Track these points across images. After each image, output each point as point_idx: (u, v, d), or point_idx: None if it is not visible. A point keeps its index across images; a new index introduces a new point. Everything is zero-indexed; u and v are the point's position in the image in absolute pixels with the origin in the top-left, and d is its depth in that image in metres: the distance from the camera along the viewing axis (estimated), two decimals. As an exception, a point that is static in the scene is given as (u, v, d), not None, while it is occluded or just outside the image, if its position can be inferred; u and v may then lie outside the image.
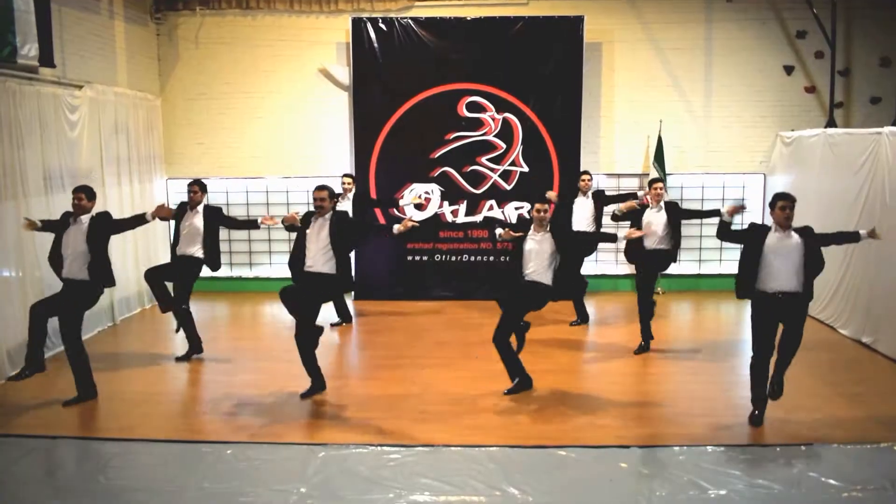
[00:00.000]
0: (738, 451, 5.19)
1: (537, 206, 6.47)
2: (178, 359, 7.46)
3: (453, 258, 10.25)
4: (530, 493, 4.64)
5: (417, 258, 10.25)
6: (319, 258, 6.15)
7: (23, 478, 4.89)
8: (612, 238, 6.96)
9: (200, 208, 7.33)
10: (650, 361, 7.42)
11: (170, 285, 7.37)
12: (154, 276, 7.36)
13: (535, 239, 6.39)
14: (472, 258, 10.24)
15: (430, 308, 9.74)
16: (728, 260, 10.60)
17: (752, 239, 5.80)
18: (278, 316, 9.78)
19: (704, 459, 5.05)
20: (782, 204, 5.68)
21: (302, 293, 6.25)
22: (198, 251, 7.27)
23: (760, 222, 6.37)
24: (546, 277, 6.35)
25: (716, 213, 7.40)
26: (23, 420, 5.87)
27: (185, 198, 10.40)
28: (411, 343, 8.14)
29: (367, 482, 4.78)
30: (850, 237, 6.00)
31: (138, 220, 6.66)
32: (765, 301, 5.73)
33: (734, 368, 7.30)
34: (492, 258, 10.21)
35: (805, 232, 5.73)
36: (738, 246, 6.16)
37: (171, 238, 7.55)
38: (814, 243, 5.69)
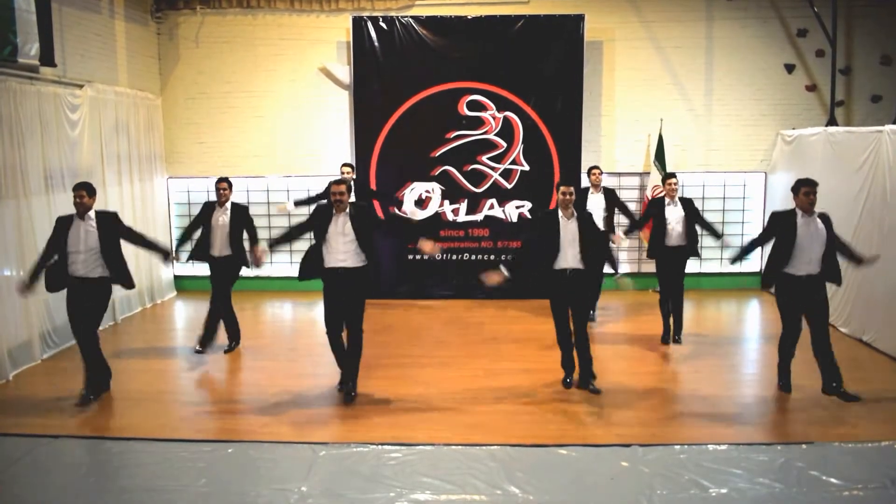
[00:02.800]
0: (740, 449, 5.18)
1: (563, 188, 6.21)
2: (227, 350, 7.64)
3: (454, 257, 10.25)
4: (531, 492, 4.64)
5: (418, 257, 10.25)
6: (349, 254, 6.06)
7: (24, 477, 4.89)
8: (613, 265, 6.88)
9: (229, 206, 7.35)
10: (651, 360, 7.42)
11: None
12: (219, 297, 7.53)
13: (567, 225, 6.23)
14: (473, 257, 10.24)
15: (430, 307, 9.75)
16: (728, 259, 10.61)
17: (783, 227, 6.01)
18: (279, 315, 9.80)
19: (705, 458, 5.05)
20: (806, 189, 5.94)
21: (340, 303, 6.17)
22: (226, 248, 7.34)
23: (772, 211, 6.54)
24: (581, 262, 6.23)
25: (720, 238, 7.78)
26: (24, 419, 5.87)
27: (185, 197, 10.55)
28: (412, 342, 8.14)
29: (368, 481, 4.78)
30: (854, 258, 6.19)
31: (157, 249, 6.66)
32: (792, 284, 6.00)
33: (735, 367, 7.31)
34: (492, 257, 10.20)
35: (825, 219, 5.99)
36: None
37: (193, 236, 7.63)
38: (831, 233, 5.98)
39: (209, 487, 4.73)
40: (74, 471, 5.00)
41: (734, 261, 6.71)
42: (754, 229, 10.42)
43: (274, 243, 6.42)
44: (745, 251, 6.67)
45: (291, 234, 6.44)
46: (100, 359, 6.34)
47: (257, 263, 6.40)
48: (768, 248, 6.35)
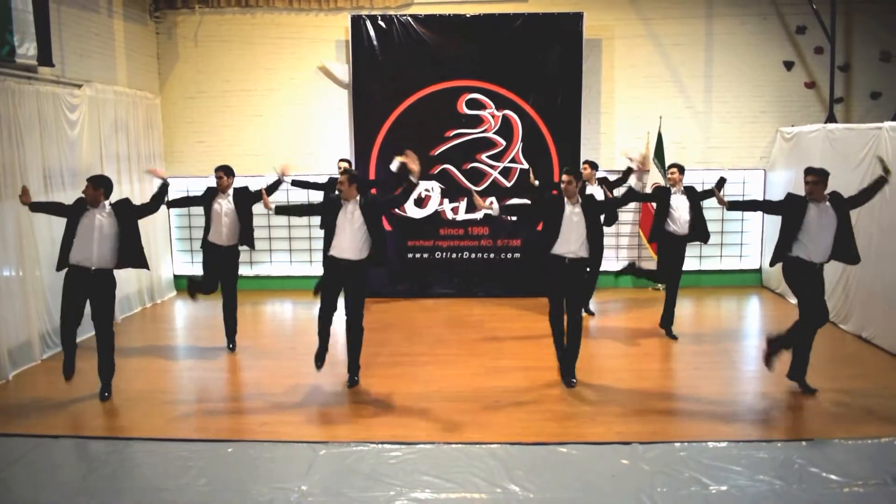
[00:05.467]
0: (739, 446, 5.19)
1: (564, 177, 6.19)
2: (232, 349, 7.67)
3: (454, 255, 10.25)
4: (532, 490, 4.64)
5: (418, 255, 10.24)
6: (355, 245, 6.14)
7: (23, 477, 4.89)
8: (640, 196, 7.00)
9: (230, 192, 7.37)
10: (651, 357, 7.42)
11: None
12: (208, 284, 7.51)
13: (572, 212, 6.19)
14: (473, 255, 10.24)
15: (430, 305, 9.74)
16: (728, 256, 10.63)
17: (793, 210, 6.04)
18: (279, 314, 9.80)
19: (705, 455, 5.05)
20: (807, 178, 6.01)
21: (339, 289, 6.28)
22: (233, 237, 7.36)
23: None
24: (585, 250, 6.24)
25: (721, 180, 7.77)
26: (24, 419, 5.87)
27: (184, 195, 10.54)
28: (412, 340, 8.14)
29: (369, 480, 4.79)
30: (874, 186, 6.17)
31: (161, 192, 6.72)
32: (807, 269, 6.01)
33: (735, 364, 7.31)
34: (492, 255, 10.20)
35: (835, 201, 6.00)
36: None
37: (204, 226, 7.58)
38: (844, 209, 5.98)
39: (209, 487, 4.73)
40: (74, 471, 5.00)
41: (731, 206, 6.61)
42: (754, 227, 10.44)
43: (281, 210, 6.58)
44: (745, 205, 6.83)
45: (300, 209, 6.79)
46: (112, 353, 6.40)
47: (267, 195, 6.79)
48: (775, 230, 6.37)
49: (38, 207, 6.36)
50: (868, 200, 6.25)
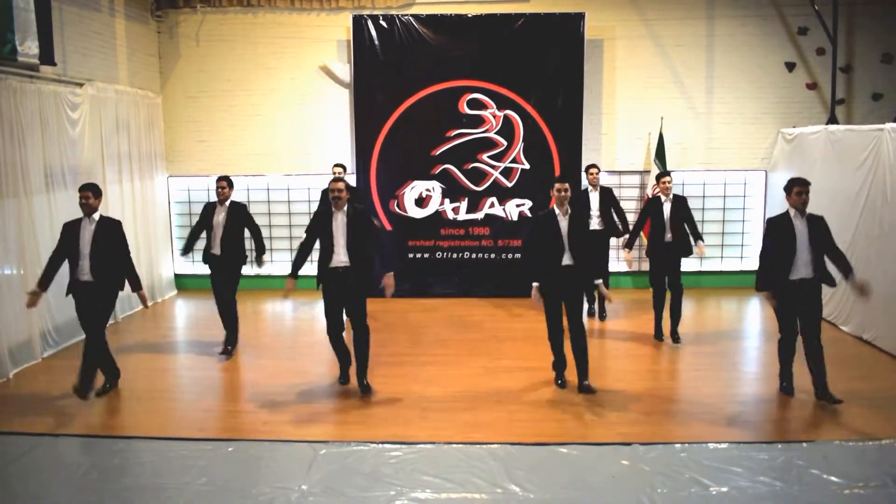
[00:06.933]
0: (740, 448, 5.18)
1: (557, 185, 6.16)
2: (223, 353, 7.51)
3: (454, 255, 10.25)
4: (532, 491, 4.64)
5: (419, 256, 10.24)
6: (346, 253, 6.14)
7: (24, 475, 4.90)
8: (601, 270, 6.72)
9: (228, 204, 7.36)
10: (652, 358, 7.42)
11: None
12: (221, 300, 7.48)
13: (562, 222, 6.17)
14: (474, 256, 10.24)
15: (431, 305, 9.74)
16: (729, 257, 10.62)
17: (782, 232, 5.91)
18: (279, 314, 9.79)
19: (706, 456, 5.05)
20: (798, 189, 5.88)
21: (341, 302, 6.28)
22: (219, 248, 7.32)
23: (766, 218, 6.40)
24: (569, 259, 6.18)
25: (699, 237, 7.75)
26: (25, 417, 5.88)
27: (186, 195, 10.56)
28: (412, 341, 8.14)
29: (369, 479, 4.79)
30: (844, 269, 5.87)
31: (131, 281, 6.31)
32: (786, 288, 5.91)
33: (736, 365, 7.31)
34: (493, 255, 10.21)
35: (815, 221, 5.86)
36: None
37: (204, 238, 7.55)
38: (820, 234, 5.84)
39: (210, 486, 4.73)
40: (75, 469, 5.00)
41: (766, 287, 6.11)
42: (755, 228, 10.43)
43: (295, 269, 6.36)
44: (767, 271, 6.07)
45: (305, 251, 6.39)
46: (108, 359, 6.42)
47: (285, 293, 6.56)
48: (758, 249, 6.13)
49: (46, 279, 6.13)
50: (831, 259, 5.92)
